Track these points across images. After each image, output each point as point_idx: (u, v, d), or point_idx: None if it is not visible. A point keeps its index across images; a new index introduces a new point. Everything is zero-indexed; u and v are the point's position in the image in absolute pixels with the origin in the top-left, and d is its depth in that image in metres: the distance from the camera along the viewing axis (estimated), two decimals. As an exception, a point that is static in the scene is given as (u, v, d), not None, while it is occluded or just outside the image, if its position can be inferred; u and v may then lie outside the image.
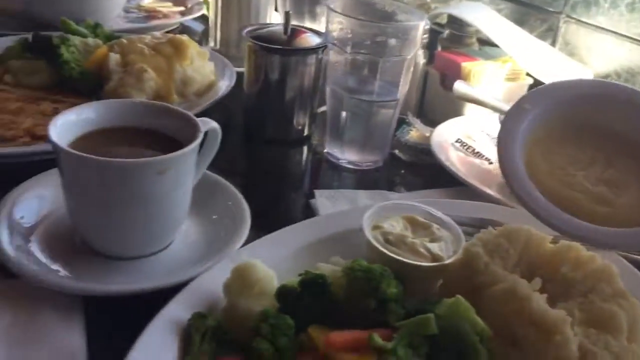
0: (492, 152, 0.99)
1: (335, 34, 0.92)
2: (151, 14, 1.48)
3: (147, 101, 0.74)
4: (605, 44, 1.18)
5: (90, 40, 1.12)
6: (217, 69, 1.16)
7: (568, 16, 1.23)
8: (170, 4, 1.54)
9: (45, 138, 0.88)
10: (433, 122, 1.08)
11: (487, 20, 1.18)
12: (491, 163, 0.98)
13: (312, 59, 0.99)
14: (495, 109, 1.03)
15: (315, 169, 1.01)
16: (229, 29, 1.28)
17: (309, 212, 0.86)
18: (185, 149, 0.66)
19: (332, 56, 0.95)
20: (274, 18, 1.35)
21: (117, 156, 0.63)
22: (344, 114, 0.95)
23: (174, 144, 0.71)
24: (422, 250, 0.68)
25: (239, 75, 1.12)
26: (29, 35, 1.11)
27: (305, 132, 1.06)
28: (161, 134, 0.72)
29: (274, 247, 0.70)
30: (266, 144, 1.05)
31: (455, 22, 1.20)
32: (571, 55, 1.23)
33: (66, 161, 0.65)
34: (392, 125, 0.98)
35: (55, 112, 0.97)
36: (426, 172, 0.99)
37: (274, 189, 0.94)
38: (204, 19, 1.50)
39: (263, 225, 0.75)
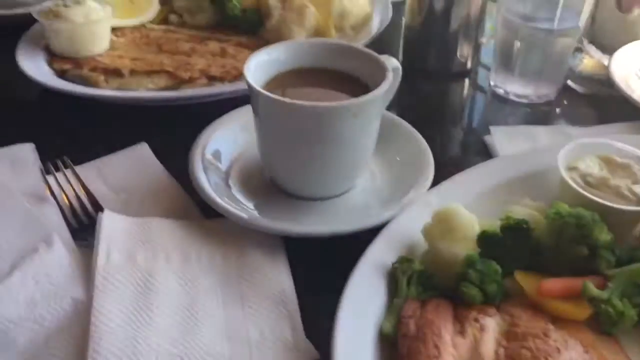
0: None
1: (510, -42, 0.86)
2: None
3: (336, 41, 0.73)
4: None
5: (248, -24, 1.12)
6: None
7: None
8: None
9: (218, 78, 0.92)
10: (606, 48, 1.00)
11: None
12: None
13: (480, -12, 0.94)
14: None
15: (482, 103, 0.98)
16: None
17: (484, 149, 0.84)
18: (377, 91, 0.65)
19: (506, -18, 0.89)
20: None
21: (311, 99, 0.64)
22: (517, 43, 0.90)
23: (361, 85, 0.71)
24: (627, 193, 0.64)
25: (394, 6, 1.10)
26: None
27: (469, 65, 1.02)
28: (348, 75, 0.72)
29: (461, 189, 0.69)
30: (427, 77, 1.02)
31: None
32: None
33: (263, 104, 0.66)
34: (568, 54, 0.92)
35: (223, 51, 0.99)
36: (604, 104, 0.93)
37: (443, 124, 0.92)
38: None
39: (440, 163, 0.73)
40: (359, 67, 0.71)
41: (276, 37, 1.03)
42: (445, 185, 0.69)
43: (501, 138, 0.83)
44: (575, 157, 0.69)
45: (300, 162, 0.69)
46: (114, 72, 0.91)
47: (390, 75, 0.67)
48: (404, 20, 1.04)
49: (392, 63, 0.73)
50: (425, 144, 0.75)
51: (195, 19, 1.08)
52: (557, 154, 0.69)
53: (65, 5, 0.94)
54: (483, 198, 0.68)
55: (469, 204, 0.66)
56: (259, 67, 0.70)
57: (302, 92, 0.71)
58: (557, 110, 0.93)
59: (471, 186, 0.69)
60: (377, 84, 0.67)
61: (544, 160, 0.71)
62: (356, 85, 0.71)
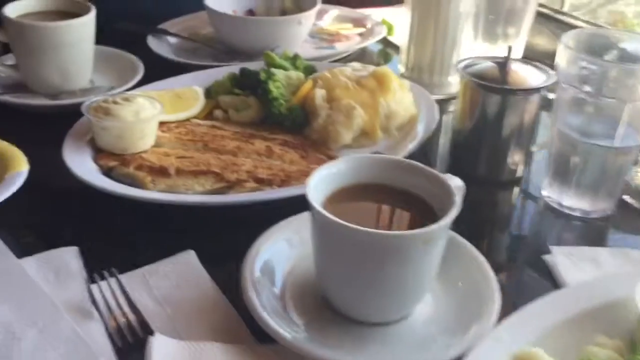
0: None
1: (568, 71, 0.85)
2: (334, 37, 1.46)
3: (400, 159, 0.71)
4: None
5: (292, 73, 1.12)
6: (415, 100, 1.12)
7: None
8: (350, 25, 1.52)
9: (266, 181, 0.89)
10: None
11: None
12: None
13: (535, 98, 0.93)
14: None
15: (535, 216, 0.95)
16: (423, 54, 1.23)
17: (545, 269, 0.80)
18: (448, 218, 0.62)
19: (564, 95, 0.88)
20: (466, 40, 1.29)
21: (375, 221, 0.62)
22: (574, 158, 0.88)
23: (426, 206, 0.68)
24: None
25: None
26: (235, 68, 1.14)
27: (519, 173, 0.99)
28: (411, 194, 0.69)
29: (532, 323, 0.65)
30: (474, 183, 0.99)
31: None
32: None
33: (325, 226, 0.64)
34: (627, 170, 0.89)
35: (269, 151, 0.97)
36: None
37: (496, 237, 0.89)
38: (382, 40, 1.48)
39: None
40: (422, 187, 0.69)
41: (322, 137, 1.02)
42: (515, 319, 0.65)
43: (564, 260, 0.79)
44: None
45: (360, 286, 0.65)
46: (160, 171, 0.90)
47: (458, 201, 0.64)
48: (452, 123, 1.02)
49: (456, 182, 0.71)
50: (490, 270, 0.71)
51: (240, 116, 1.07)
52: (629, 283, 0.65)
53: (115, 102, 0.93)
54: (555, 333, 0.64)
55: (540, 341, 0.62)
56: (319, 182, 0.68)
57: (364, 212, 0.69)
58: (614, 226, 0.90)
59: (542, 320, 0.65)
60: (443, 207, 0.65)
61: (616, 291, 0.68)
62: (421, 205, 0.68)
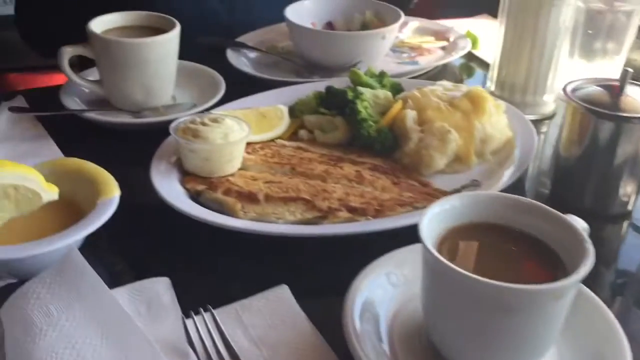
0: None
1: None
2: (416, 51, 1.41)
3: (520, 198, 0.65)
4: None
5: (380, 92, 1.07)
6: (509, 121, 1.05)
7: None
8: (432, 38, 1.46)
9: (359, 211, 0.85)
10: None
11: None
12: None
13: (653, 126, 0.85)
14: None
15: (651, 254, 0.87)
16: (517, 72, 1.16)
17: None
18: (583, 270, 0.56)
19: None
20: (563, 58, 1.21)
21: (495, 267, 0.56)
22: (700, 194, 0.80)
23: (549, 252, 0.62)
24: None
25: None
26: (318, 85, 1.10)
27: (630, 206, 0.92)
28: (532, 237, 0.63)
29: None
30: (579, 216, 0.92)
31: None
32: None
33: (442, 272, 0.58)
34: None
35: (359, 176, 0.93)
36: None
37: (608, 280, 0.82)
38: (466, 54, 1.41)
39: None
40: (544, 229, 0.63)
41: (414, 161, 0.97)
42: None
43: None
44: None
45: (476, 338, 0.60)
46: (248, 197, 0.86)
47: (591, 249, 0.58)
48: (554, 149, 0.96)
49: (581, 224, 0.65)
50: (615, 320, 0.65)
51: (327, 137, 1.03)
52: None
53: (204, 123, 0.90)
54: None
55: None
56: (432, 220, 0.62)
57: (482, 256, 0.63)
58: None
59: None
60: (571, 254, 0.59)
61: None
62: (544, 251, 0.62)
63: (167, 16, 1.12)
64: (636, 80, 0.90)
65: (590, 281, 0.63)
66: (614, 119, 0.85)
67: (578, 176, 0.92)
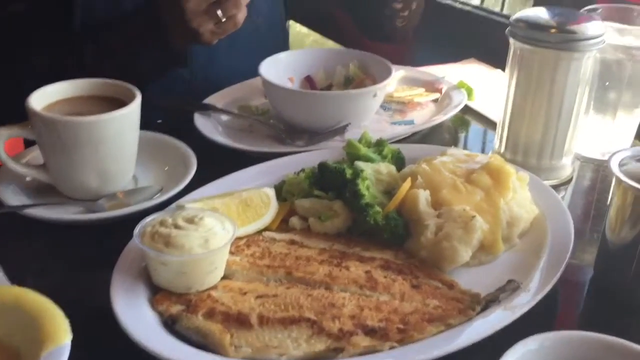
0: None
1: None
2: (407, 106, 1.26)
3: (615, 340, 0.49)
4: None
5: (382, 166, 0.91)
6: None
7: None
8: (422, 89, 1.31)
9: (379, 332, 0.68)
10: None
11: None
12: None
13: None
14: None
15: None
16: (532, 133, 1.01)
17: None
18: None
19: None
20: (589, 116, 1.07)
21: None
22: None
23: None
24: None
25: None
26: (308, 158, 0.95)
27: (691, 297, 0.77)
28: None
29: None
30: (630, 311, 0.78)
31: None
32: None
33: None
34: None
35: (370, 280, 0.76)
36: None
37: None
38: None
39: None
40: None
41: (434, 255, 0.81)
42: None
43: None
44: None
45: None
46: (238, 321, 0.68)
47: None
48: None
49: None
50: None
51: (325, 226, 0.85)
52: None
53: (177, 226, 0.72)
54: None
55: None
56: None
57: None
58: None
59: None
60: None
61: None
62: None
63: (124, 83, 0.94)
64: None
65: None
66: (675, 202, 0.71)
67: (630, 265, 0.77)
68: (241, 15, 1.05)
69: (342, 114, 1.12)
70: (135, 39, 1.10)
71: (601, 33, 0.96)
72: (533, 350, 0.50)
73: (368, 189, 0.86)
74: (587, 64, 0.97)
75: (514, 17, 0.99)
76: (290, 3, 1.49)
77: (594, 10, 1.06)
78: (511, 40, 1.00)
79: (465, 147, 1.18)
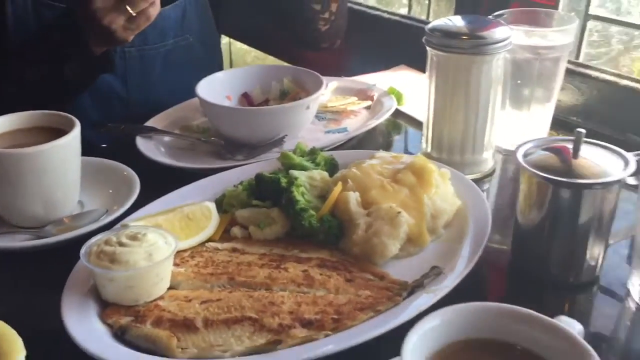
0: None
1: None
2: (341, 115, 1.33)
3: (516, 308, 0.56)
4: None
5: (315, 173, 0.97)
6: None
7: None
8: (354, 98, 1.38)
9: (315, 323, 0.74)
10: None
11: None
12: None
13: (615, 188, 0.80)
14: None
15: (630, 325, 0.81)
16: (454, 130, 1.09)
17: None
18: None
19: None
20: (506, 112, 1.16)
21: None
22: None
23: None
24: None
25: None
26: (244, 171, 1.00)
27: (597, 272, 0.86)
28: (532, 353, 0.54)
29: None
30: (545, 287, 0.86)
31: None
32: None
33: None
34: None
35: (308, 278, 0.82)
36: None
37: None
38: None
39: None
40: (545, 343, 0.54)
41: (365, 251, 0.87)
42: None
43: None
44: None
45: None
46: (184, 326, 0.73)
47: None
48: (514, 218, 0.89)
49: (577, 328, 0.57)
50: None
51: (264, 233, 0.91)
52: None
53: (121, 244, 0.77)
54: None
55: None
56: (417, 342, 0.53)
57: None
58: None
59: None
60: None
61: None
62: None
63: (62, 113, 0.98)
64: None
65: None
66: (573, 186, 0.79)
67: (541, 245, 0.85)
68: (153, 9, 1.07)
69: (279, 127, 1.18)
70: (57, 47, 1.13)
71: (507, 36, 1.04)
72: (436, 325, 0.55)
73: (303, 195, 0.92)
74: (497, 65, 1.05)
75: (428, 26, 1.07)
76: (224, 21, 1.55)
77: (501, 15, 1.15)
78: (428, 48, 1.08)
79: (397, 149, 1.26)
